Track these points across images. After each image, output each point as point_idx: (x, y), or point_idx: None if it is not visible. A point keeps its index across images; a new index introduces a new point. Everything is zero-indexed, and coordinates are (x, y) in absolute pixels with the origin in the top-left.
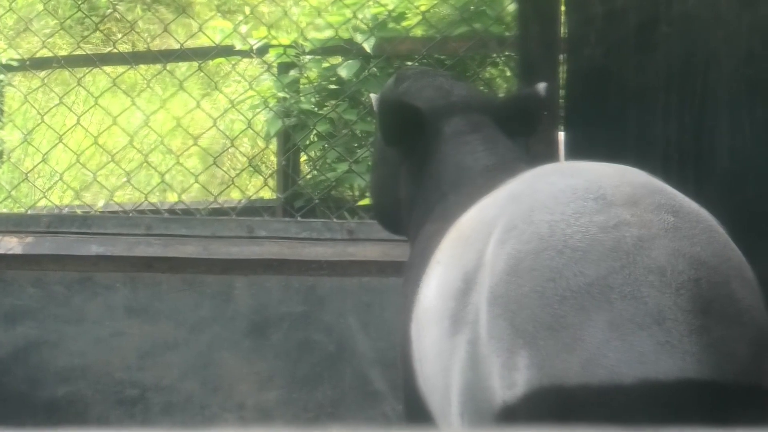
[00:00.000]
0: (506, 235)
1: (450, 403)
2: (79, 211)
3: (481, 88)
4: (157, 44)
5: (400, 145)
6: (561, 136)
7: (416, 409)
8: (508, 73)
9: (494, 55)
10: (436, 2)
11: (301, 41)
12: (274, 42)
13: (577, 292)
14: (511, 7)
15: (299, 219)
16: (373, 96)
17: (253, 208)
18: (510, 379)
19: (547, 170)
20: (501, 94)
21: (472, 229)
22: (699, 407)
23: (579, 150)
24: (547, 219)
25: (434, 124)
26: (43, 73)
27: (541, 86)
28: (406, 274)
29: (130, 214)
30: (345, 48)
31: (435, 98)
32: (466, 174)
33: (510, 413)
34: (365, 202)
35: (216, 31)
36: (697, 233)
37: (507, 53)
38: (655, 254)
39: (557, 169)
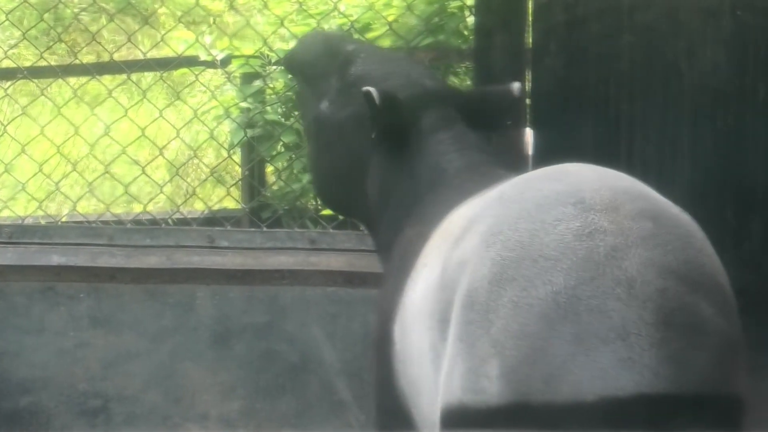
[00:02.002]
0: (492, 238)
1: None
2: (43, 222)
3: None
4: (122, 55)
5: (382, 140)
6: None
7: (393, 413)
8: (469, 82)
9: (455, 66)
10: (402, 13)
11: (266, 51)
12: (237, 52)
13: (543, 300)
14: (470, 20)
15: (264, 229)
16: (372, 90)
17: (217, 219)
18: (477, 384)
19: (537, 175)
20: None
21: (460, 228)
22: (658, 421)
23: (542, 159)
24: (529, 227)
25: (410, 118)
26: (7, 84)
27: (516, 85)
28: (386, 277)
29: (93, 224)
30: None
31: (407, 88)
32: (441, 176)
33: (468, 416)
34: (328, 212)
35: (180, 41)
36: (671, 240)
37: (466, 64)
38: (626, 264)
39: (546, 173)
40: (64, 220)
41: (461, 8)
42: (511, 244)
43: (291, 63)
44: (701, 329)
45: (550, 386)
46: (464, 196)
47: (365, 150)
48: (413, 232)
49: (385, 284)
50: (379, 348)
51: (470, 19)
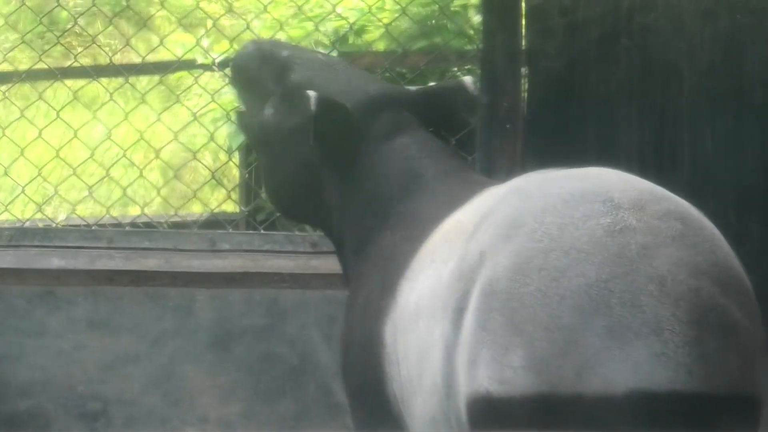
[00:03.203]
0: (513, 230)
1: (439, 393)
2: (41, 225)
3: None
4: (119, 58)
5: (331, 149)
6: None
7: (380, 417)
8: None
9: (455, 69)
10: (397, 16)
11: None
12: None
13: (576, 292)
14: (475, 20)
15: (262, 232)
16: (311, 94)
17: (215, 221)
18: (501, 374)
19: (554, 174)
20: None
21: (471, 222)
22: (687, 418)
23: (539, 161)
24: (557, 221)
25: (359, 124)
26: (4, 87)
27: (468, 79)
28: (361, 279)
29: (92, 228)
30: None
31: (351, 93)
32: (417, 181)
33: (495, 405)
34: None
35: (177, 44)
36: (700, 241)
37: (467, 67)
38: (657, 263)
39: (565, 173)
40: (62, 223)
41: (465, 7)
42: (537, 236)
43: (231, 73)
44: (733, 331)
45: (581, 378)
46: (454, 198)
47: (314, 156)
48: (396, 235)
49: (361, 287)
50: (364, 351)
51: (475, 19)
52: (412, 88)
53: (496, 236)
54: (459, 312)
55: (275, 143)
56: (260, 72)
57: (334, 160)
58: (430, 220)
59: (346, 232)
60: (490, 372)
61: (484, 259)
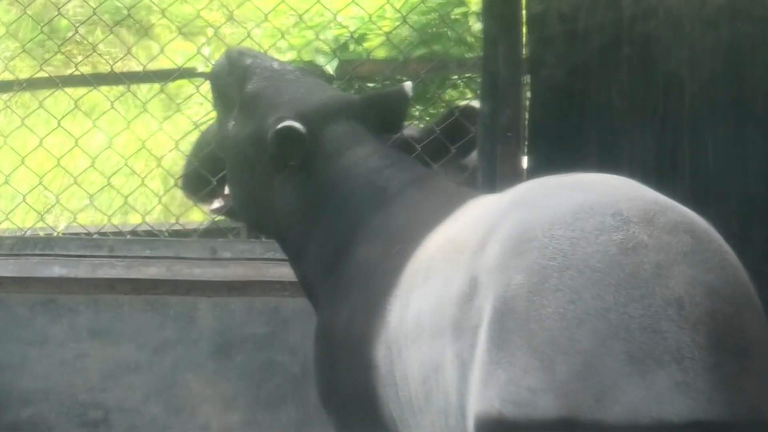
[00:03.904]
0: (524, 245)
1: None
2: (42, 233)
3: (441, 110)
4: (120, 67)
5: (290, 167)
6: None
7: None
8: (469, 95)
9: (455, 77)
10: (398, 24)
11: None
12: None
13: (594, 316)
14: (476, 27)
15: (263, 240)
16: (273, 122)
17: (216, 230)
18: (518, 395)
19: (557, 182)
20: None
21: (474, 238)
22: None
23: (541, 169)
24: (568, 235)
25: (310, 136)
26: (5, 96)
27: (408, 85)
28: (338, 299)
29: (94, 236)
30: (307, 70)
31: (300, 104)
32: (384, 194)
33: (503, 426)
34: None
35: (178, 53)
36: (710, 256)
37: (468, 75)
38: (673, 284)
39: (567, 181)
40: (63, 231)
41: (465, 15)
42: (549, 252)
43: (210, 83)
44: (749, 352)
45: (601, 405)
46: (433, 210)
47: (268, 169)
48: (374, 251)
49: (339, 306)
50: (352, 375)
51: (476, 27)
52: (355, 96)
53: (505, 252)
54: (474, 330)
55: (233, 153)
56: (228, 81)
57: (291, 177)
58: (411, 234)
59: (311, 247)
60: (505, 393)
61: (495, 276)
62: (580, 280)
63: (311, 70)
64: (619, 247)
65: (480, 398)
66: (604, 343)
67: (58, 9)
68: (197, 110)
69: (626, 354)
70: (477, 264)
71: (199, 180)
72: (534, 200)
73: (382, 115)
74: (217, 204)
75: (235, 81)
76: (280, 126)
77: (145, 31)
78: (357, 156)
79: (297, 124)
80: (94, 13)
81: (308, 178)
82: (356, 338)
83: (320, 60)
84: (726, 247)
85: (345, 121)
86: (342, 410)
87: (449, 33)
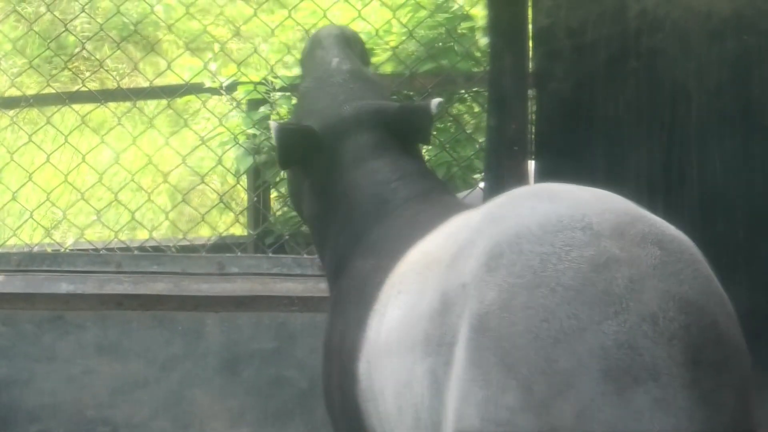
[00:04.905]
0: (494, 261)
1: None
2: (49, 249)
3: (448, 124)
4: (127, 83)
5: (296, 165)
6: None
7: None
8: (476, 109)
9: (462, 91)
10: (405, 39)
11: (270, 78)
12: (243, 79)
13: (570, 335)
14: (482, 42)
15: (271, 255)
16: (272, 123)
17: (223, 245)
18: (497, 414)
19: (523, 193)
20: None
21: (446, 253)
22: None
23: (548, 183)
24: (537, 250)
25: (330, 145)
26: (12, 112)
27: (435, 102)
28: (337, 312)
29: (101, 252)
30: (358, 72)
31: (329, 112)
32: (386, 207)
33: None
34: None
35: (185, 68)
36: (682, 267)
37: (475, 89)
38: (646, 298)
39: (534, 192)
40: (71, 247)
41: (472, 29)
42: (518, 269)
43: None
44: (726, 366)
45: (581, 422)
46: (419, 225)
47: (297, 173)
48: (367, 265)
49: (337, 319)
50: (342, 387)
51: (482, 41)
52: (392, 105)
53: (476, 267)
54: (448, 346)
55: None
56: (303, 65)
57: (312, 185)
58: (398, 248)
59: (325, 255)
60: (483, 412)
61: (468, 292)
62: (553, 299)
63: (361, 72)
64: (591, 264)
65: (459, 416)
66: (580, 362)
67: (65, 25)
68: (204, 125)
69: (603, 372)
70: (448, 280)
71: None
72: (500, 214)
73: (405, 126)
74: None
75: (304, 70)
76: (280, 127)
77: (152, 47)
78: (370, 168)
79: (297, 127)
80: (101, 29)
81: (325, 188)
82: (346, 353)
83: None
84: (698, 256)
85: (371, 131)
86: (337, 422)
87: (456, 48)
